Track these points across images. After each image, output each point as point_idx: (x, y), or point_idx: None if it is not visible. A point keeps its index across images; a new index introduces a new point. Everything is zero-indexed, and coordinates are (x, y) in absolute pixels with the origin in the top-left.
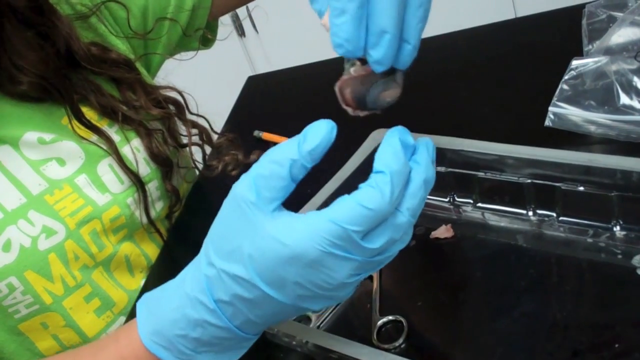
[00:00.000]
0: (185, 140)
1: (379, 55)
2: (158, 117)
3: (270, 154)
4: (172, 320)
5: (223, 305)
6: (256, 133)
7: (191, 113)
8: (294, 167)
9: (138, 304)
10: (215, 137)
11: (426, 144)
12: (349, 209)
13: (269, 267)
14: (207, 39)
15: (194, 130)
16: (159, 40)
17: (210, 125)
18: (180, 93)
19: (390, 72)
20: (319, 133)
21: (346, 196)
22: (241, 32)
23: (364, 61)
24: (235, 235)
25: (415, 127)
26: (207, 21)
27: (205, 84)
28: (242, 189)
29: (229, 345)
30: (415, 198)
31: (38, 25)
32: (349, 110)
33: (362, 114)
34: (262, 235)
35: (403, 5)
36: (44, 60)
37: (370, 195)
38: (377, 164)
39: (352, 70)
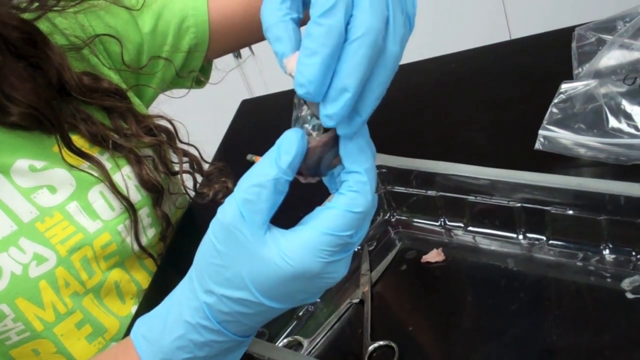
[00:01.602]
0: (176, 168)
1: (333, 110)
2: (149, 144)
3: (250, 177)
4: (177, 347)
5: (227, 324)
6: (249, 157)
7: (182, 142)
8: (278, 185)
9: (133, 335)
10: (205, 165)
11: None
12: (340, 217)
13: (274, 288)
14: (199, 80)
15: (185, 158)
16: (154, 76)
17: (200, 154)
18: (170, 122)
19: (336, 138)
20: (293, 145)
21: (332, 205)
22: (237, 54)
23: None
24: (231, 262)
25: (406, 151)
26: (201, 64)
27: (201, 106)
28: (231, 216)
29: (231, 350)
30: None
31: (30, 56)
32: (300, 178)
33: (313, 180)
34: (262, 259)
35: (368, 75)
36: (35, 91)
37: (357, 200)
38: (348, 164)
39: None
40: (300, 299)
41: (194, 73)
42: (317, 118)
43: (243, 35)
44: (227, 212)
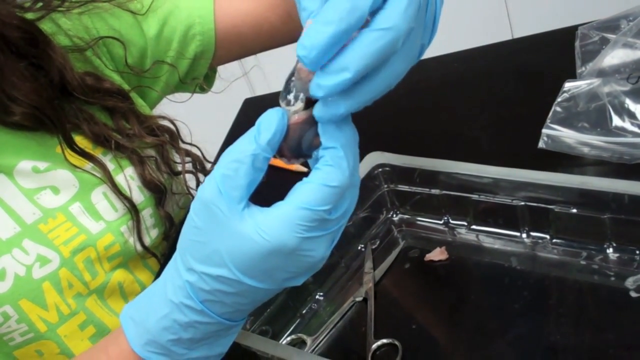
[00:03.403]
0: (179, 168)
1: (327, 83)
2: (152, 144)
3: (230, 153)
4: (162, 328)
5: (210, 304)
6: None
7: (184, 142)
8: (256, 161)
9: (122, 317)
10: (207, 165)
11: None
12: (316, 192)
13: (251, 264)
14: (202, 87)
15: (188, 158)
16: (157, 80)
17: (202, 154)
18: (172, 122)
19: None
20: (272, 122)
21: (308, 179)
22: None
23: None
24: (210, 238)
25: (409, 150)
26: (206, 71)
27: (203, 105)
28: (210, 192)
29: (220, 335)
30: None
31: (31, 56)
32: (284, 160)
33: (297, 162)
34: (239, 235)
35: (371, 71)
36: (37, 91)
37: (332, 174)
38: (325, 140)
39: (289, 114)
40: (281, 278)
41: (197, 80)
42: (303, 97)
43: (250, 43)
44: (206, 189)
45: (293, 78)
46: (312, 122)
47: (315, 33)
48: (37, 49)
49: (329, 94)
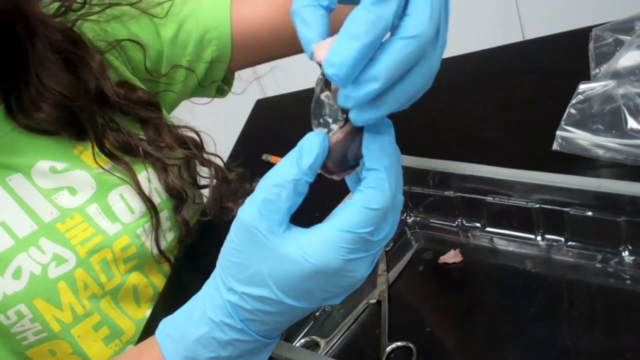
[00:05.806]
0: (204, 181)
1: (355, 93)
2: (182, 156)
3: (271, 177)
4: (201, 345)
5: (250, 322)
6: (265, 157)
7: (206, 152)
8: (298, 185)
9: (158, 335)
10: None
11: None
12: (358, 214)
13: (294, 285)
14: (222, 90)
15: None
16: (173, 84)
17: (224, 164)
18: (197, 133)
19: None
20: (314, 146)
21: (350, 202)
22: None
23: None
24: (251, 260)
25: (423, 152)
26: (223, 75)
27: (214, 106)
28: (251, 215)
29: (256, 351)
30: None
31: (70, 52)
32: (334, 177)
33: (345, 175)
34: (281, 257)
35: (401, 77)
36: (74, 85)
37: (374, 197)
38: (368, 162)
39: (330, 135)
40: (322, 298)
41: (215, 83)
42: (342, 112)
43: (267, 49)
44: (247, 212)
45: (325, 101)
46: (354, 134)
47: (343, 50)
48: (77, 46)
49: (358, 104)
